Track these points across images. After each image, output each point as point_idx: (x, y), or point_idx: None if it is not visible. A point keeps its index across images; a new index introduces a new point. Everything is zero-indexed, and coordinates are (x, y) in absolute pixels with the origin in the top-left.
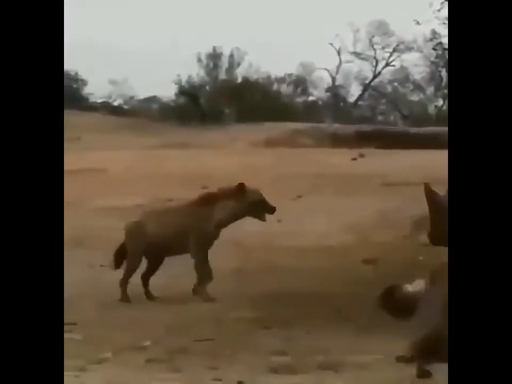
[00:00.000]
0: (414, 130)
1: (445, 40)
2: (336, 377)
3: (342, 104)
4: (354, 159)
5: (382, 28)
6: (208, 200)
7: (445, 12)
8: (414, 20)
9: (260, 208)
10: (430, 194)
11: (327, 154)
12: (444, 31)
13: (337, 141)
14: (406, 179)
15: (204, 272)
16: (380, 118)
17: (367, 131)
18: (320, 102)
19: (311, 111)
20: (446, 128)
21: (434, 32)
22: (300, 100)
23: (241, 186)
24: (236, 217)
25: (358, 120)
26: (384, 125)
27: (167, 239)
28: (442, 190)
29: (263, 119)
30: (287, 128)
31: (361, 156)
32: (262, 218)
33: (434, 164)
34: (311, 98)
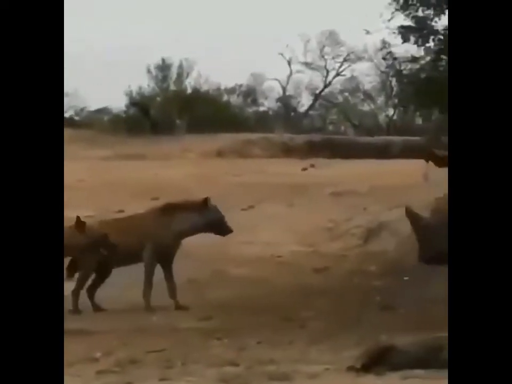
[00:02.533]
0: (364, 140)
1: (395, 50)
2: None
3: (292, 114)
4: (305, 169)
5: (332, 38)
6: (168, 210)
7: (395, 22)
8: (364, 30)
9: (218, 226)
10: (413, 218)
11: (278, 164)
12: (394, 40)
13: (288, 151)
14: (357, 189)
15: (149, 283)
16: (330, 127)
17: (318, 141)
18: (270, 112)
19: (261, 122)
20: (396, 138)
21: (384, 42)
22: (250, 110)
23: (205, 201)
24: (195, 230)
25: (308, 130)
26: (334, 134)
27: (122, 248)
28: (391, 199)
29: (214, 130)
30: (238, 138)
31: (312, 166)
32: (222, 234)
33: (384, 173)
34: (261, 108)
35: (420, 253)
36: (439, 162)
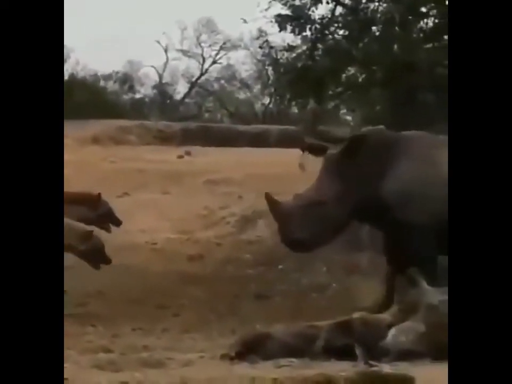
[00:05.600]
0: (240, 128)
1: (272, 39)
2: (161, 374)
3: (168, 101)
4: (180, 156)
5: (209, 26)
6: None
7: (272, 11)
8: (241, 18)
9: (107, 219)
10: (272, 204)
11: (154, 151)
12: (270, 29)
13: (164, 138)
14: (232, 177)
15: None
16: (206, 115)
17: (194, 129)
18: (147, 99)
19: (137, 108)
20: (272, 126)
21: (261, 31)
22: (126, 97)
23: (98, 196)
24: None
25: (184, 118)
26: (211, 122)
27: None
28: (267, 188)
29: (90, 116)
30: (114, 125)
31: (188, 153)
32: (108, 230)
33: (259, 161)
34: (138, 95)
35: (282, 239)
36: (316, 152)
